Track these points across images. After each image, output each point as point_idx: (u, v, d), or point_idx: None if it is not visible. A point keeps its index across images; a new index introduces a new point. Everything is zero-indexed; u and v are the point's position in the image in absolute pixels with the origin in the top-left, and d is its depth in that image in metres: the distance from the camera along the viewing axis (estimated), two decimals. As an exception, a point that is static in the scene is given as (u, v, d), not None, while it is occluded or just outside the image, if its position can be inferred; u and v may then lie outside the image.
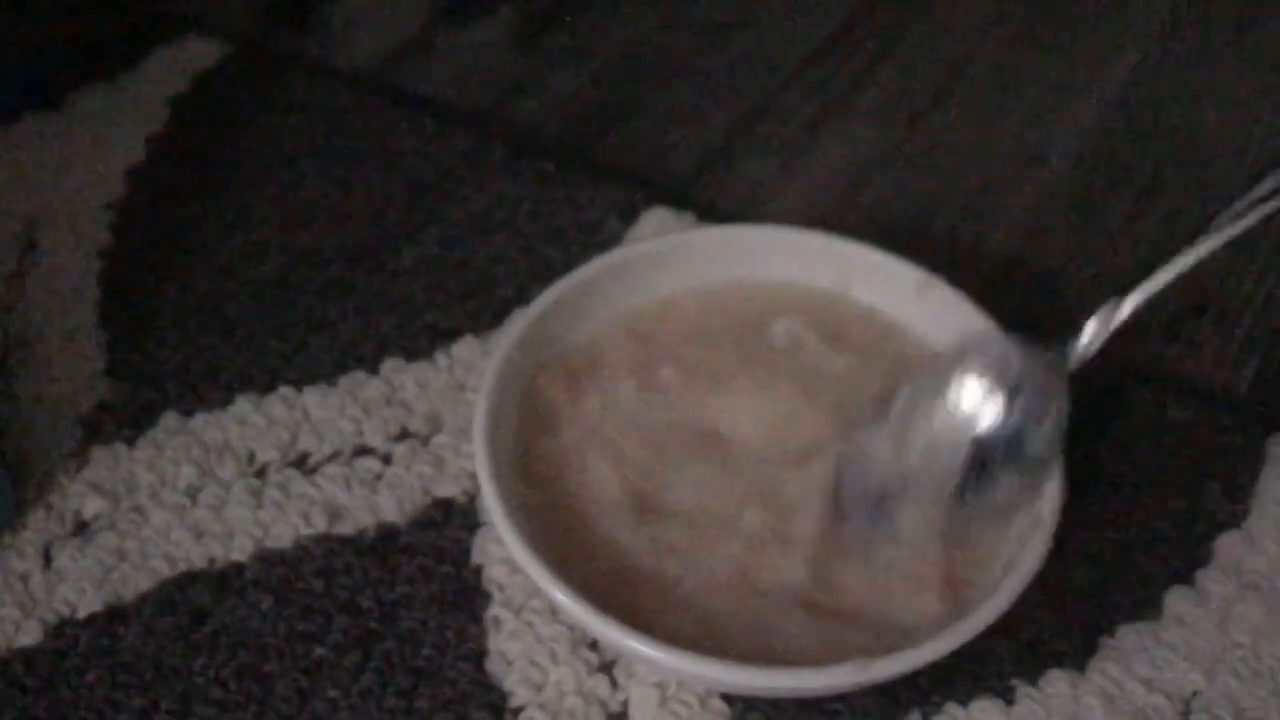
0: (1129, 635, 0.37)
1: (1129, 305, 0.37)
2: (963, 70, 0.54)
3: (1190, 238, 0.37)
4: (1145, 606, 0.37)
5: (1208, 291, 0.46)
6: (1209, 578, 0.38)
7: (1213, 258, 0.47)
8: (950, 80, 0.54)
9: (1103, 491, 0.40)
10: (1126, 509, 0.40)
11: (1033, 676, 0.36)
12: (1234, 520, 0.39)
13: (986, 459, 0.36)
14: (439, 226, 0.47)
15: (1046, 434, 0.36)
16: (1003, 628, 0.34)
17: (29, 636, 0.36)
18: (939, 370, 0.37)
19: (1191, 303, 0.46)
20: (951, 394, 0.36)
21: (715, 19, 0.56)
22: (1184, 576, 0.38)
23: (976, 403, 0.36)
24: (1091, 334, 0.37)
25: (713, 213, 0.47)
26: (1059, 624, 0.37)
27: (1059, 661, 0.36)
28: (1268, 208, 0.36)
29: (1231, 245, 0.44)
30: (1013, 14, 0.56)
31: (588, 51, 0.54)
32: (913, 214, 0.49)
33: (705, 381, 0.39)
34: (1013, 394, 0.36)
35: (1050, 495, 0.36)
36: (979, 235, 0.48)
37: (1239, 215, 0.36)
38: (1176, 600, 0.38)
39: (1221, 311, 0.46)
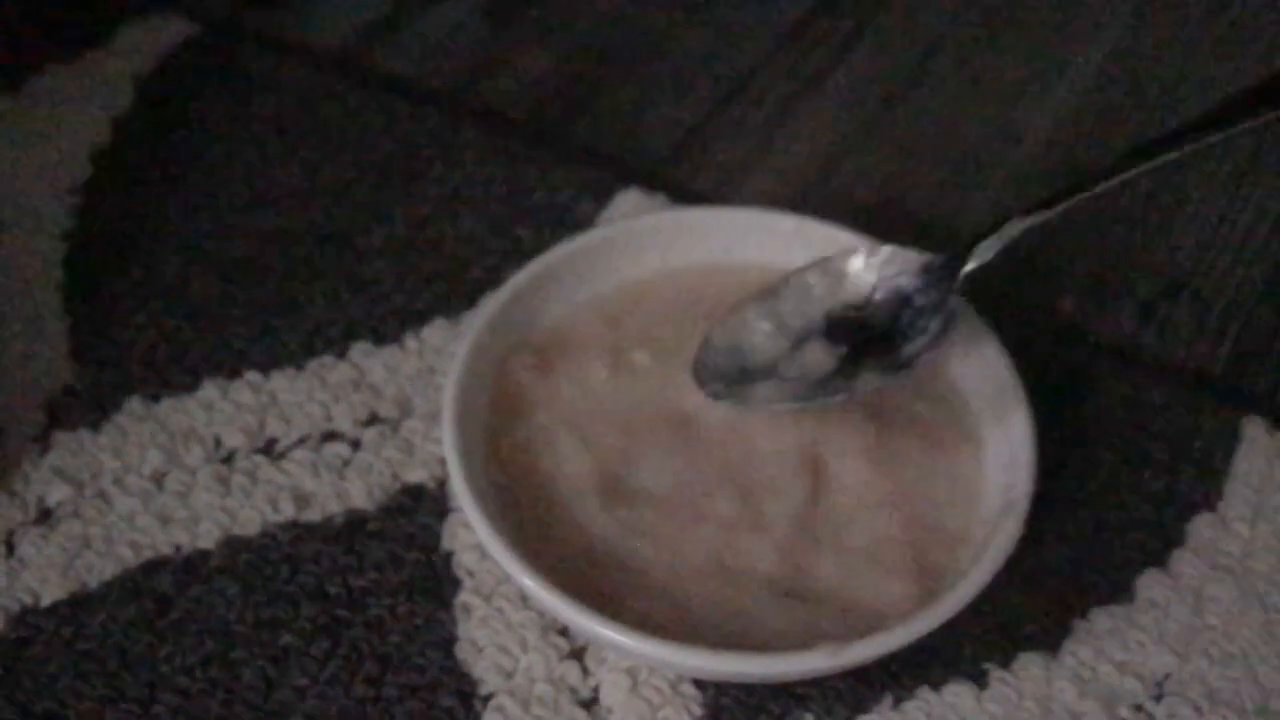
0: (1102, 618, 0.37)
1: (1018, 229, 0.37)
2: (938, 51, 0.54)
3: (1102, 172, 0.37)
4: (1118, 589, 0.37)
5: (1183, 273, 0.46)
6: (1182, 560, 0.38)
7: (1187, 240, 0.47)
8: (925, 61, 0.53)
9: (1076, 474, 0.40)
10: (1100, 491, 0.40)
11: (1005, 660, 0.36)
12: (1208, 502, 0.39)
13: (858, 351, 0.37)
14: (409, 207, 0.46)
15: (922, 341, 0.37)
16: (975, 611, 0.34)
17: (-9, 625, 0.36)
18: (829, 264, 0.38)
19: (1167, 284, 0.46)
20: (836, 286, 0.38)
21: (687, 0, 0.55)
22: (1158, 559, 0.38)
23: (859, 297, 0.38)
24: (980, 255, 0.37)
25: (686, 193, 0.47)
26: (1032, 607, 0.37)
27: (1032, 644, 0.36)
28: (1188, 146, 0.36)
29: (1198, 221, 0.44)
30: (988, -7, 0.56)
31: (560, 30, 0.54)
32: (887, 194, 0.48)
33: (677, 364, 0.39)
34: (896, 296, 0.38)
35: (1023, 478, 0.36)
36: (953, 215, 0.48)
37: (1151, 152, 0.37)
38: (1150, 583, 0.38)
39: (1196, 293, 0.45)
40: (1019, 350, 0.39)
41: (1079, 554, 0.38)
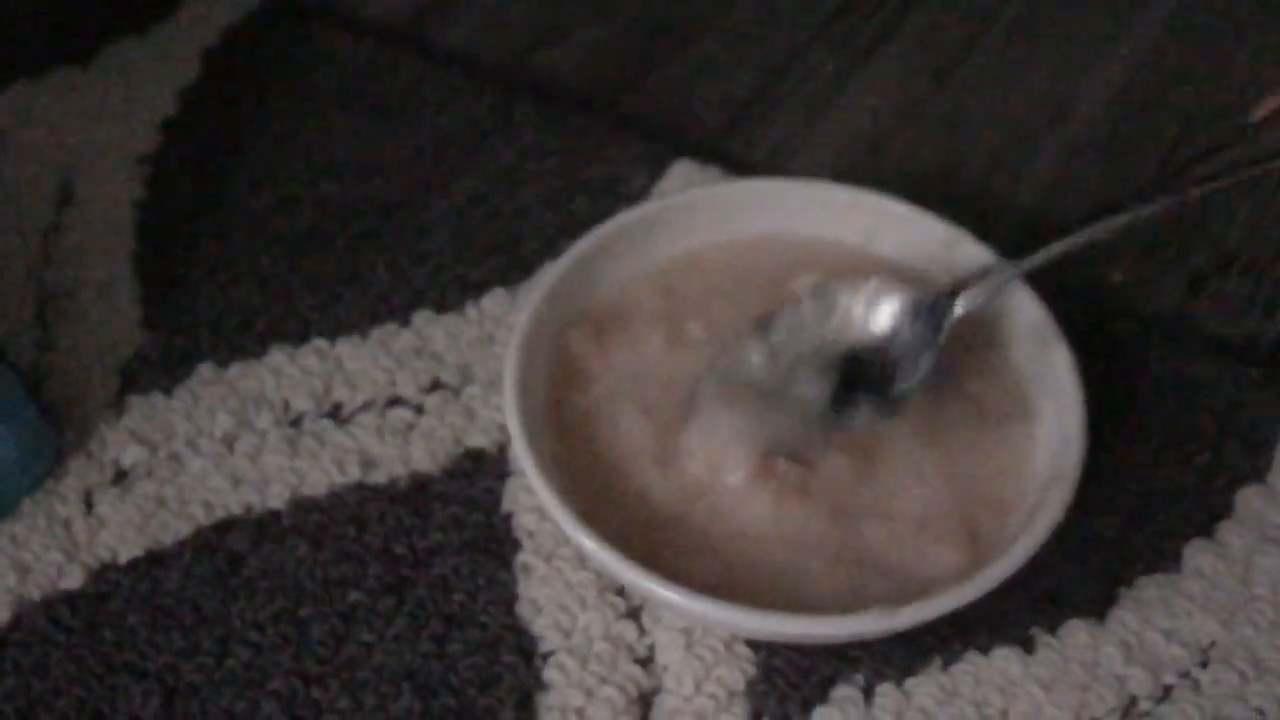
0: (1148, 586, 0.37)
1: (1005, 276, 0.38)
2: (989, 23, 0.54)
3: (1100, 213, 0.38)
4: (1165, 558, 0.38)
5: (1234, 247, 0.46)
6: (1229, 530, 0.39)
7: (1238, 214, 0.47)
8: (977, 33, 0.54)
9: (1125, 444, 0.40)
10: (1148, 462, 0.40)
11: (1052, 626, 0.37)
12: (1255, 474, 0.40)
13: (852, 386, 0.38)
14: (468, 180, 0.47)
15: (913, 378, 0.37)
16: (1023, 577, 0.35)
17: (72, 580, 0.37)
18: (822, 296, 0.39)
19: (1217, 258, 0.46)
20: (829, 320, 0.39)
21: (742, -29, 0.56)
22: (1204, 529, 0.39)
23: (852, 333, 0.38)
24: (973, 298, 0.38)
25: (739, 166, 0.48)
26: (1079, 574, 0.38)
27: (1079, 611, 0.37)
28: (1189, 193, 0.37)
29: (1250, 195, 0.44)
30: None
31: (615, 3, 0.54)
32: (939, 167, 0.49)
33: (732, 335, 0.40)
34: (887, 330, 0.38)
35: (1072, 449, 0.36)
36: (1006, 189, 0.48)
37: (1156, 195, 0.37)
38: (1196, 552, 0.38)
39: (1246, 267, 0.46)
40: (1069, 323, 0.39)
41: (1127, 523, 0.39)
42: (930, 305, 0.38)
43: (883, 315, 0.39)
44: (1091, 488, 0.38)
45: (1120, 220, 0.37)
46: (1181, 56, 0.53)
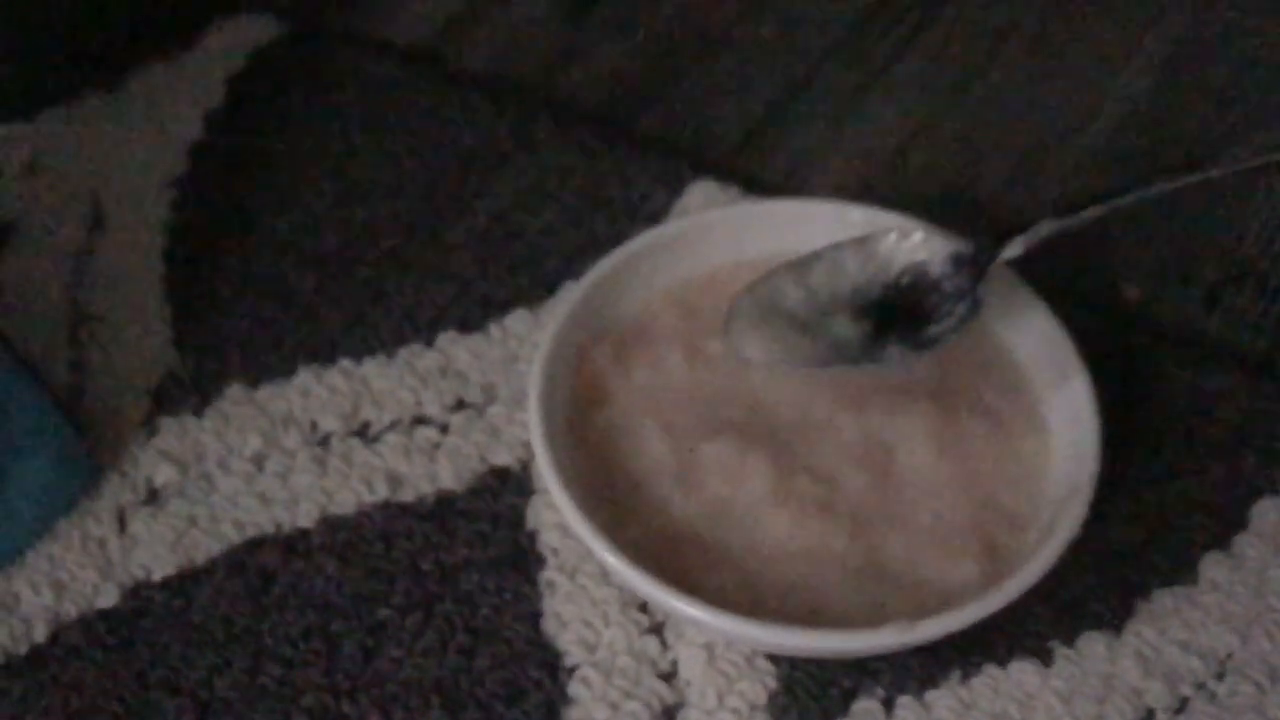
0: (1165, 598, 0.38)
1: (1048, 229, 0.39)
2: (1005, 37, 0.54)
3: (1143, 183, 0.39)
4: (1181, 571, 0.38)
5: (1248, 260, 0.47)
6: (1245, 543, 0.39)
7: (1252, 227, 0.48)
8: (993, 47, 0.54)
9: (1141, 457, 0.41)
10: (1164, 475, 0.41)
11: (1070, 638, 0.37)
12: (1271, 486, 0.40)
13: (886, 327, 0.39)
14: (490, 200, 0.48)
15: (948, 324, 0.39)
16: (1041, 590, 0.35)
17: (108, 598, 0.38)
18: (863, 243, 0.40)
19: (1232, 271, 0.46)
20: (867, 264, 0.40)
21: (759, -10, 0.56)
22: (1220, 542, 0.39)
23: (888, 276, 0.40)
24: (1010, 250, 0.39)
25: (758, 184, 0.48)
26: (1097, 587, 0.38)
27: (1096, 623, 0.37)
28: (1227, 168, 0.38)
29: (1264, 208, 0.45)
30: (1056, -19, 0.57)
31: (632, 24, 0.55)
32: (957, 182, 0.49)
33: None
34: (925, 279, 0.39)
35: (1088, 462, 0.37)
36: (1022, 204, 0.49)
37: (1194, 171, 0.38)
38: (1212, 565, 0.39)
39: (1261, 280, 0.46)
40: (1084, 335, 0.40)
41: (1143, 536, 0.39)
42: (973, 256, 0.39)
43: (924, 266, 0.40)
44: (1108, 500, 0.38)
45: (1145, 194, 0.39)
46: (1195, 71, 0.53)
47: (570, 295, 0.41)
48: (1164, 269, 0.46)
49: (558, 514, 0.38)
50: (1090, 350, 0.39)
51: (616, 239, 0.44)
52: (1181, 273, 0.46)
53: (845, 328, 0.39)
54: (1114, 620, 0.37)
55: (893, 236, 0.40)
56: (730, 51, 0.54)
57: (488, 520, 0.40)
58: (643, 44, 0.54)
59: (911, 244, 0.40)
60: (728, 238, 0.43)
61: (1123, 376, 0.42)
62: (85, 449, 0.41)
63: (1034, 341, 0.40)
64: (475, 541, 0.39)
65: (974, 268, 0.39)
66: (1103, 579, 0.38)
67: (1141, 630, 0.37)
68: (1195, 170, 0.39)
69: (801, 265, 0.40)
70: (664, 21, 0.55)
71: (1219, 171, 0.40)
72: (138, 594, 0.38)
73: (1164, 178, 0.39)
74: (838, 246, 0.40)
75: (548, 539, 0.39)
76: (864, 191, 0.48)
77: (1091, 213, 0.39)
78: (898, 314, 0.39)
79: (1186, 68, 0.53)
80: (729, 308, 0.39)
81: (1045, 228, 0.39)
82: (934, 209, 0.43)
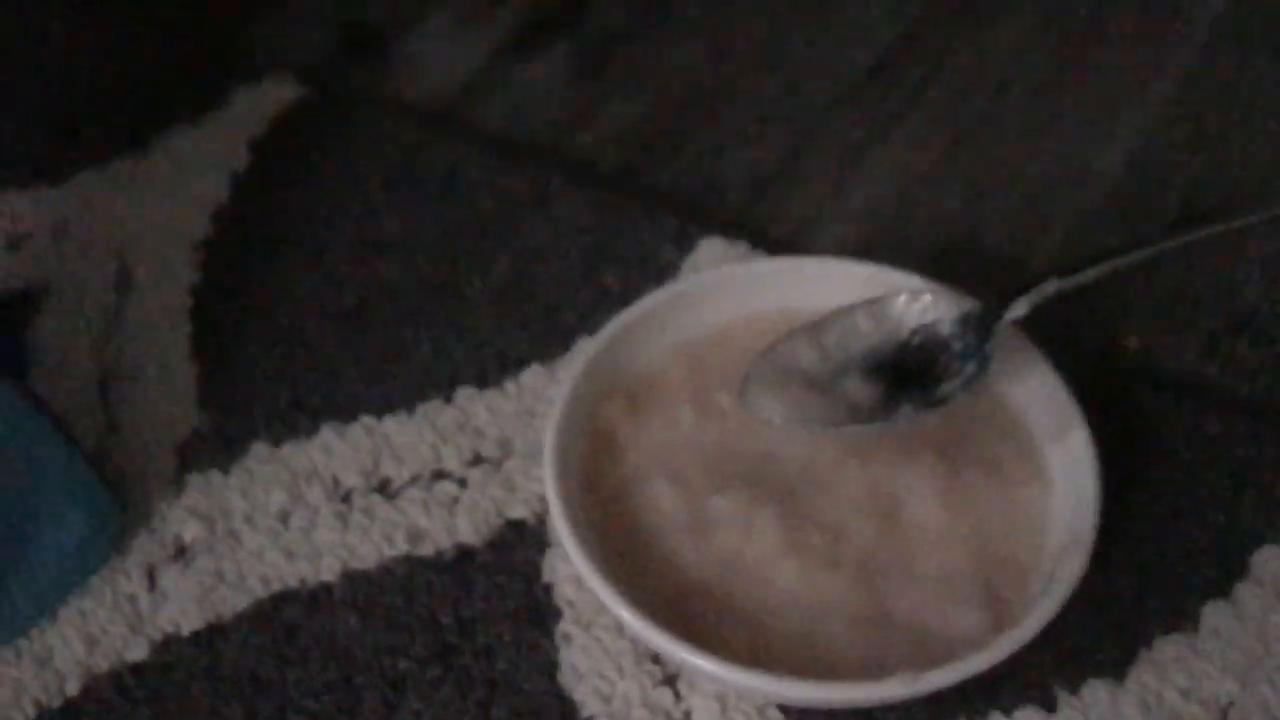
0: (1167, 646, 0.39)
1: (1052, 289, 0.41)
2: (1006, 90, 0.56)
3: (1145, 240, 0.41)
4: (1183, 618, 0.39)
5: (1247, 308, 0.48)
6: (1246, 591, 0.40)
7: (1251, 275, 0.49)
8: (992, 104, 0.55)
9: (1141, 504, 0.42)
10: (1165, 522, 0.41)
11: (1074, 686, 0.38)
12: (1272, 534, 0.41)
13: (897, 387, 0.40)
14: (506, 257, 0.49)
15: (957, 383, 0.40)
16: (1044, 639, 0.36)
17: (137, 652, 0.40)
18: (874, 304, 0.41)
19: (1231, 319, 0.47)
20: (879, 325, 0.41)
21: (764, 48, 0.58)
22: (1222, 589, 0.40)
23: (900, 337, 0.41)
24: (1014, 310, 0.41)
25: (765, 239, 0.50)
26: (1099, 635, 0.39)
27: (1099, 671, 0.38)
28: (1229, 223, 0.39)
29: (1262, 256, 0.46)
30: (1054, 36, 0.58)
31: (643, 83, 0.56)
32: (959, 235, 0.51)
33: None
34: (935, 339, 0.41)
35: (1088, 511, 0.38)
36: (1023, 256, 0.50)
37: (1197, 227, 0.39)
38: (1214, 613, 0.39)
39: (1260, 328, 0.47)
40: (1084, 384, 0.41)
41: (1145, 584, 0.40)
42: (980, 316, 0.40)
43: (935, 327, 0.41)
44: (1109, 548, 0.39)
45: (1148, 252, 0.40)
46: (1195, 121, 0.54)
47: (584, 351, 0.43)
48: (1163, 317, 0.47)
49: (573, 567, 0.39)
50: (1090, 399, 0.41)
51: (628, 294, 0.45)
52: (1180, 320, 0.47)
53: (859, 388, 0.40)
54: (1117, 668, 0.38)
55: (903, 298, 0.41)
56: (737, 109, 0.55)
57: (505, 573, 0.41)
58: (652, 105, 0.56)
59: (922, 305, 0.41)
60: (737, 294, 0.44)
61: (1123, 425, 0.43)
62: (116, 506, 0.42)
63: (1034, 392, 0.41)
64: (493, 594, 0.40)
65: (981, 327, 0.40)
66: (1105, 627, 0.39)
67: (1144, 677, 0.38)
68: (1198, 227, 0.40)
69: (815, 327, 0.41)
70: (673, 81, 0.57)
71: (1222, 228, 0.41)
72: (167, 648, 0.40)
73: (1167, 235, 0.40)
74: (850, 308, 0.41)
75: (563, 592, 0.40)
76: (869, 245, 0.50)
77: (1095, 271, 0.40)
78: (909, 373, 0.40)
79: (1187, 116, 0.54)
80: (745, 372, 0.41)
81: (1050, 287, 0.40)
82: (939, 262, 0.45)
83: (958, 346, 0.40)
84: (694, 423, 0.42)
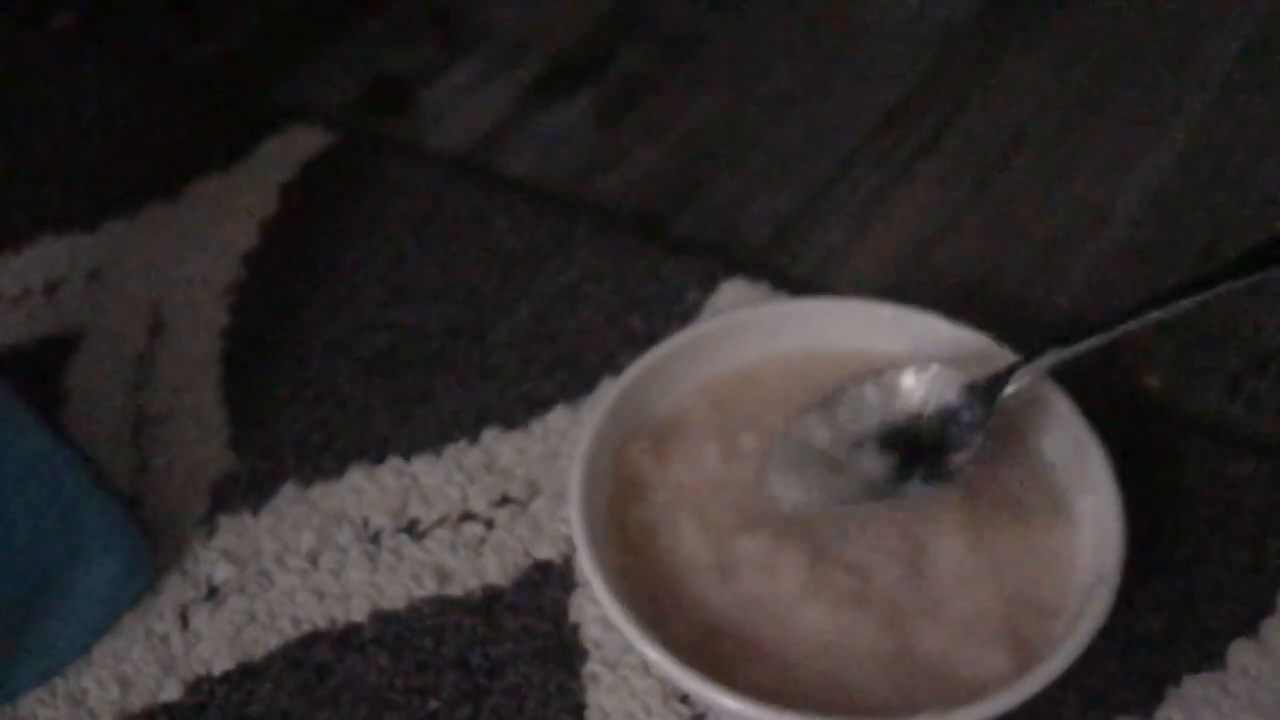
0: (1194, 686, 0.39)
1: (1053, 359, 0.41)
2: (1024, 136, 0.56)
3: (1136, 309, 0.40)
4: (1210, 657, 0.39)
5: (1270, 347, 0.48)
6: (1273, 628, 0.40)
7: (1274, 314, 0.49)
8: (1012, 146, 0.56)
9: (1167, 545, 0.42)
10: (1190, 562, 0.42)
11: (1101, 725, 0.38)
12: (1296, 572, 0.41)
13: (911, 458, 0.41)
14: (531, 300, 0.50)
15: (968, 454, 0.40)
16: (1071, 678, 0.36)
17: (170, 693, 0.40)
18: (882, 379, 0.42)
19: (1254, 359, 0.47)
20: (889, 399, 0.42)
21: (784, 93, 0.59)
22: (1248, 628, 0.40)
23: (910, 410, 0.41)
24: (1019, 382, 0.41)
25: (787, 281, 0.50)
26: (1126, 674, 0.39)
27: (1126, 710, 0.38)
28: (1217, 289, 0.39)
29: (1266, 309, 0.46)
30: (1073, 78, 0.59)
31: (664, 129, 0.57)
32: (979, 277, 0.51)
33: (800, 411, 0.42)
34: (944, 411, 0.41)
35: (1113, 551, 0.38)
36: (1044, 297, 0.50)
37: (1185, 293, 0.39)
38: (1241, 651, 0.39)
39: (1282, 367, 0.47)
40: (1108, 425, 0.41)
41: (1171, 623, 0.40)
42: (985, 388, 0.41)
43: (942, 399, 0.41)
44: (1135, 588, 0.39)
45: (1158, 314, 0.40)
46: (1214, 162, 0.55)
47: (609, 393, 0.43)
48: (1186, 358, 0.48)
49: (599, 607, 0.39)
50: (1114, 439, 0.41)
51: (652, 337, 0.46)
52: (1203, 361, 0.48)
53: (873, 460, 0.41)
54: (1144, 707, 0.38)
55: (911, 370, 0.42)
56: (759, 153, 0.56)
57: (533, 614, 0.41)
58: (674, 150, 0.56)
59: (929, 376, 0.41)
60: (759, 336, 0.45)
61: (1146, 465, 0.43)
62: (148, 547, 0.43)
63: (1058, 433, 0.42)
64: (521, 635, 0.41)
65: (985, 399, 0.41)
66: (1132, 666, 0.39)
67: (1171, 717, 0.38)
68: (1193, 292, 0.40)
69: (826, 404, 0.42)
70: (694, 126, 0.58)
71: (1222, 289, 0.40)
72: (199, 688, 0.40)
73: (1171, 295, 0.40)
74: (858, 382, 0.42)
75: (590, 632, 0.41)
76: (890, 287, 0.50)
77: (1096, 340, 0.40)
78: (922, 444, 0.41)
79: (1205, 158, 0.55)
80: (763, 456, 0.41)
81: (1050, 357, 0.40)
82: (958, 304, 0.45)
83: (967, 417, 0.41)
84: (719, 463, 0.42)
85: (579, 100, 0.59)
